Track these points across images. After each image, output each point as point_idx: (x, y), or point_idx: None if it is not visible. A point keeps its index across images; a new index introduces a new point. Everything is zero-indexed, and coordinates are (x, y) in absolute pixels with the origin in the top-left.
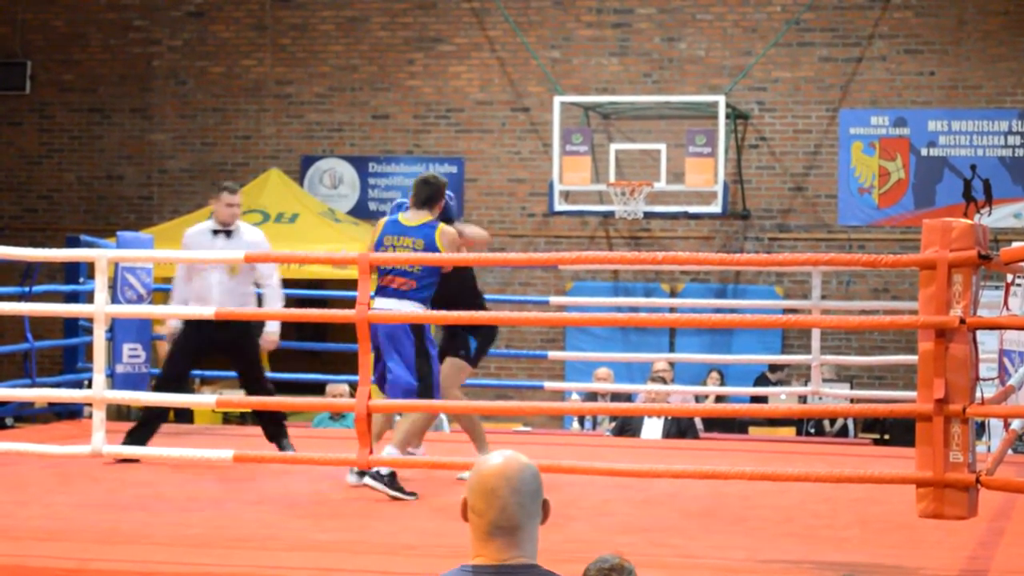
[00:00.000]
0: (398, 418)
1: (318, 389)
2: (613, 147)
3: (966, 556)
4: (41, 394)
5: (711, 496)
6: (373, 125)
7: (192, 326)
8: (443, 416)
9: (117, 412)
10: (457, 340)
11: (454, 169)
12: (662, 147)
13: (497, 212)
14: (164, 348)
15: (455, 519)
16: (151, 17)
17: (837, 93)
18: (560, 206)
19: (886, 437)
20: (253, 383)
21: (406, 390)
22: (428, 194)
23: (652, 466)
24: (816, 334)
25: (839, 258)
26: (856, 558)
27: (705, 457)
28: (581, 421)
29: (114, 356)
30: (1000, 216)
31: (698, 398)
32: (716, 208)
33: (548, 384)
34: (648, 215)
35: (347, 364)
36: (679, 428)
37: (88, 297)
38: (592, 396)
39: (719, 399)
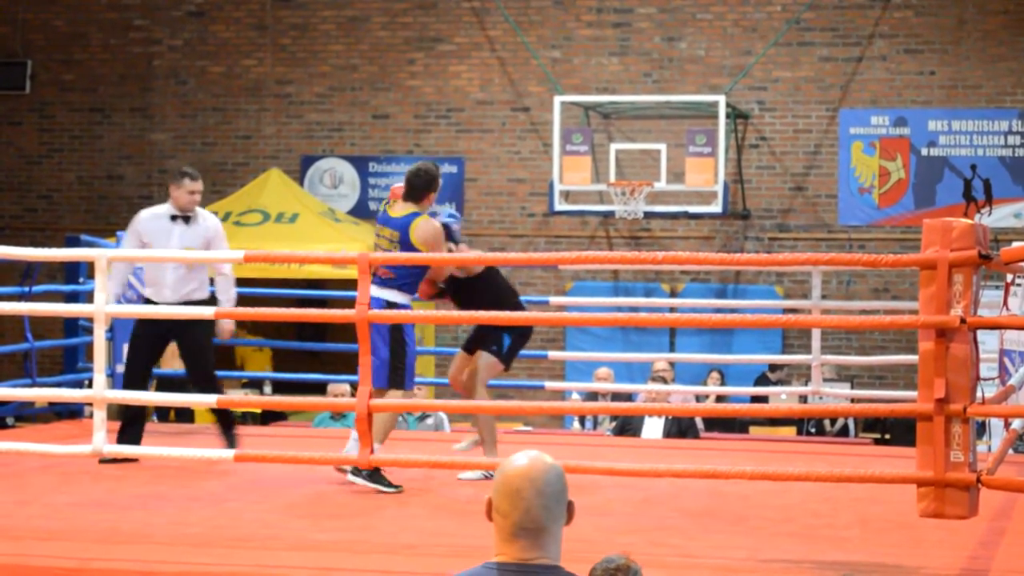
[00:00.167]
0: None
1: (318, 389)
2: (613, 147)
3: (967, 556)
4: (41, 394)
5: (711, 496)
6: (373, 125)
7: (146, 321)
8: (443, 415)
9: (118, 412)
10: (489, 336)
11: (454, 169)
12: (662, 147)
13: (497, 212)
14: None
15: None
16: (151, 17)
17: (837, 93)
18: (560, 206)
19: (887, 437)
20: (199, 372)
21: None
22: (414, 185)
23: (652, 466)
24: (816, 334)
25: (839, 258)
26: (856, 558)
27: (705, 457)
28: (582, 421)
29: (114, 356)
30: (1000, 216)
31: (698, 398)
32: (716, 208)
33: (549, 384)
34: (648, 215)
35: (347, 364)
36: (679, 428)
37: (88, 297)
38: (592, 396)
39: (719, 399)
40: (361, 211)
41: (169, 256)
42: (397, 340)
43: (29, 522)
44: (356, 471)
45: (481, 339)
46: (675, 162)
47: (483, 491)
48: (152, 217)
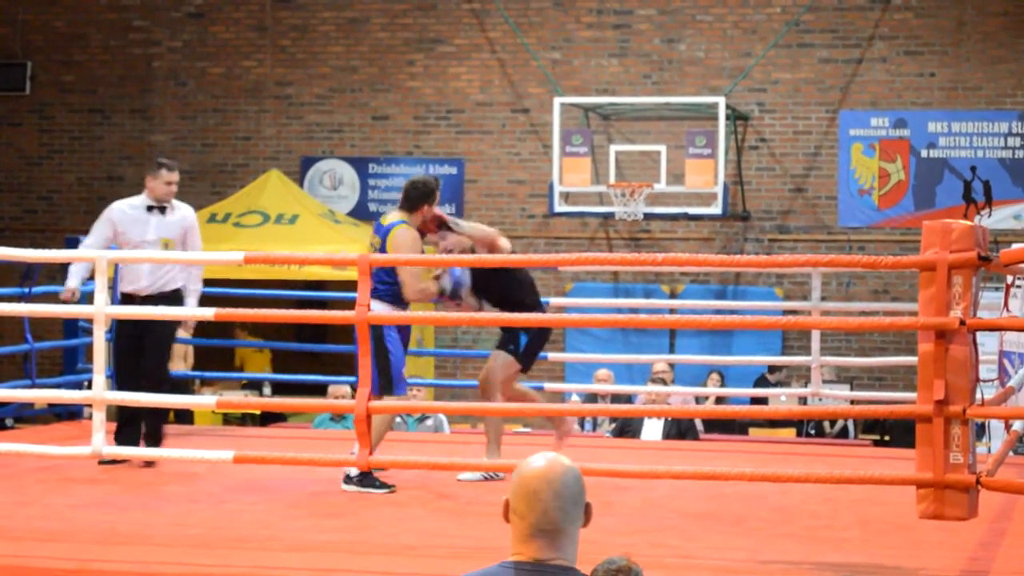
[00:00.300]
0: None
1: (318, 390)
2: (613, 148)
3: (966, 557)
4: (41, 395)
5: (711, 497)
6: (373, 126)
7: (124, 320)
8: (442, 417)
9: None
10: (507, 335)
11: (454, 170)
12: (662, 148)
13: (497, 213)
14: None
15: (455, 520)
16: (151, 18)
17: (837, 94)
18: (560, 207)
19: (886, 438)
20: (153, 366)
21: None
22: (409, 195)
23: (652, 467)
24: (816, 335)
25: (839, 259)
26: (856, 559)
27: (705, 458)
28: (581, 422)
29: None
30: (1000, 217)
31: (698, 399)
32: (716, 209)
33: (548, 385)
34: (648, 216)
35: (347, 366)
36: (679, 429)
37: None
38: (592, 397)
39: (719, 400)
40: (361, 212)
41: (169, 256)
42: (379, 349)
43: (28, 523)
44: (347, 480)
45: (500, 339)
46: (675, 163)
47: (483, 493)
48: (127, 207)
